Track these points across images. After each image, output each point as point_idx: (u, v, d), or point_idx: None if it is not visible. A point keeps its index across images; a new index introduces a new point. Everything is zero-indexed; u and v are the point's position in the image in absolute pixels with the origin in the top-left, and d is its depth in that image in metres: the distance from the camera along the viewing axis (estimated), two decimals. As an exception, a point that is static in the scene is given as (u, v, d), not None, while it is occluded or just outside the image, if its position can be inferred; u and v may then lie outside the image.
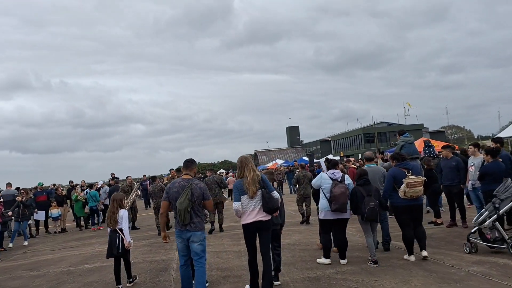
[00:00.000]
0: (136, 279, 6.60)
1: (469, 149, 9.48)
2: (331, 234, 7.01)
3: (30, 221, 14.48)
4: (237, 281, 6.20)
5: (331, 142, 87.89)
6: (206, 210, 5.85)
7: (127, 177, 15.58)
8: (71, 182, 18.23)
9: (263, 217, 5.25)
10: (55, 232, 15.34)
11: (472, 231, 6.96)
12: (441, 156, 10.06)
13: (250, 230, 5.30)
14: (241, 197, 5.27)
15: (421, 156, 11.21)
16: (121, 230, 6.15)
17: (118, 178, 18.45)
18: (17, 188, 15.90)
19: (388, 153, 11.59)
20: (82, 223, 15.93)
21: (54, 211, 15.42)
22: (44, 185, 16.18)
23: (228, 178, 23.98)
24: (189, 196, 5.06)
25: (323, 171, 7.16)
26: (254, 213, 5.23)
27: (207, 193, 5.31)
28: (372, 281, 5.69)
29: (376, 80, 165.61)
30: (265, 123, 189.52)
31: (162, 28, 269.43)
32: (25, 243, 12.58)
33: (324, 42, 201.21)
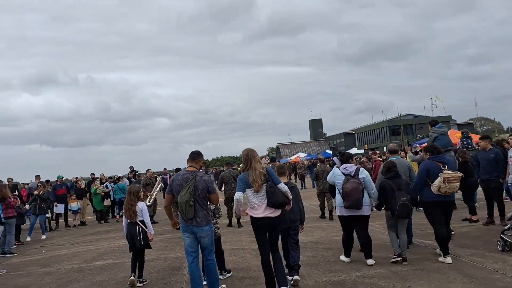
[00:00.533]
0: (146, 282, 6.25)
1: (510, 139, 8.66)
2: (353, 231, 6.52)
3: (49, 215, 14.40)
4: (254, 284, 5.69)
5: (355, 135, 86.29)
6: (216, 204, 5.67)
7: (148, 170, 15.35)
8: (92, 175, 18.09)
9: (272, 213, 4.93)
10: (74, 226, 15.22)
11: (506, 228, 6.34)
12: (479, 147, 9.27)
13: (258, 225, 4.99)
14: (246, 190, 4.99)
15: (456, 148, 10.42)
16: (142, 222, 6.05)
17: (137, 171, 18.23)
18: (47, 181, 15.90)
19: (417, 145, 10.86)
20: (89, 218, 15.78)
21: (74, 204, 15.31)
22: (63, 178, 16.03)
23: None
24: (191, 190, 4.80)
25: (337, 166, 6.68)
26: (262, 208, 4.94)
27: (212, 186, 5.06)
28: (405, 287, 5.09)
29: (401, 71, 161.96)
30: (287, 116, 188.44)
31: (185, 22, 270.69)
32: (43, 236, 12.44)
33: (348, 33, 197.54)
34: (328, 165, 12.87)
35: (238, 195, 4.98)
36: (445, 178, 5.86)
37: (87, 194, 16.70)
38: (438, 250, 6.28)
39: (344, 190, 6.11)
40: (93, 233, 12.72)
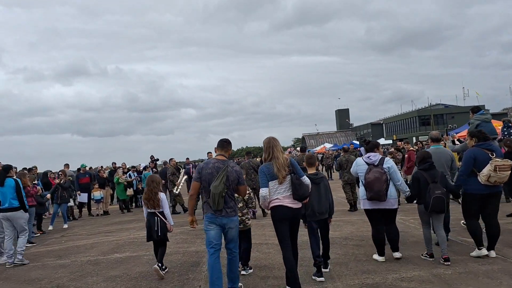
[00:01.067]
0: (166, 269, 6.13)
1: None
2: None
3: (71, 203, 14.30)
4: (278, 285, 5.16)
5: (383, 125, 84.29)
6: (243, 196, 5.55)
7: (171, 159, 15.02)
8: (113, 164, 17.95)
9: (294, 204, 4.74)
10: (97, 215, 15.08)
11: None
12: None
13: (281, 217, 4.74)
14: (269, 182, 4.73)
15: (499, 138, 9.55)
16: (161, 213, 5.95)
17: (158, 160, 17.95)
18: (78, 169, 15.84)
19: (454, 134, 10.03)
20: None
21: (96, 194, 15.15)
22: (86, 167, 15.91)
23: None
24: (224, 180, 4.55)
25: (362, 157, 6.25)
26: (286, 200, 4.72)
27: (243, 178, 4.81)
28: (450, 294, 4.46)
29: (431, 59, 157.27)
30: (313, 106, 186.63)
31: (211, 13, 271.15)
32: (65, 226, 12.29)
33: (376, 21, 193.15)
34: (353, 155, 12.32)
35: (263, 192, 4.72)
36: (497, 165, 5.31)
37: (110, 183, 16.58)
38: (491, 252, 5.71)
39: (366, 180, 5.72)
40: (114, 223, 12.48)
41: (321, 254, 5.39)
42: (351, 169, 6.32)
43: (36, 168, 15.57)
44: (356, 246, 6.87)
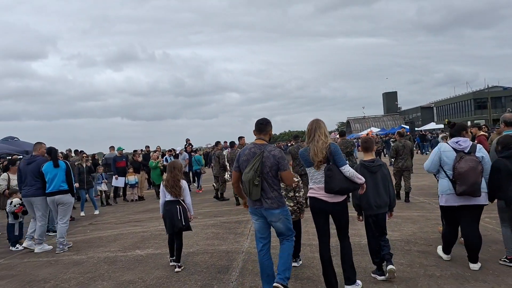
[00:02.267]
0: (183, 267, 5.54)
1: None
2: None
3: (105, 188, 13.72)
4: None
5: (435, 108, 79.89)
6: (290, 184, 4.73)
7: (217, 142, 14.10)
8: (147, 147, 17.30)
9: (330, 197, 4.14)
10: (132, 200, 14.45)
11: None
12: None
13: (314, 208, 4.31)
14: (307, 169, 4.31)
15: None
16: (183, 201, 5.61)
17: (192, 146, 17.11)
18: (120, 153, 15.23)
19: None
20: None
21: (131, 178, 14.51)
22: (123, 150, 15.26)
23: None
24: (256, 167, 4.05)
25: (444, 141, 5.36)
26: (321, 189, 4.17)
27: (284, 163, 4.18)
28: None
29: (487, 40, 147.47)
30: (359, 90, 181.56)
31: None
32: (96, 212, 11.67)
33: (428, 0, 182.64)
34: (408, 141, 10.94)
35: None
36: None
37: (145, 168, 15.93)
38: None
39: (457, 171, 4.65)
40: (147, 210, 11.70)
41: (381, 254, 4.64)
42: (426, 165, 5.08)
43: (70, 151, 15.20)
44: (422, 253, 5.51)
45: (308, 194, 4.33)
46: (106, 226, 9.49)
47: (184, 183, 5.65)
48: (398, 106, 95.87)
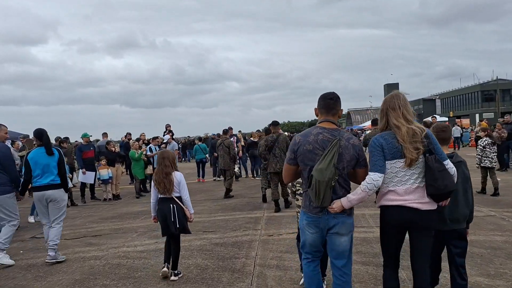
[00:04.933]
0: (181, 275, 4.76)
1: None
2: None
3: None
4: None
5: (438, 100, 77.57)
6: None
7: (226, 130, 12.15)
8: (128, 135, 14.54)
9: (423, 204, 2.95)
10: (105, 199, 11.72)
11: None
12: None
13: (393, 221, 3.02)
14: (388, 162, 2.96)
15: None
16: (179, 198, 4.67)
17: (173, 133, 14.47)
18: (86, 140, 12.69)
19: None
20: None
21: (103, 172, 11.74)
22: (90, 137, 12.48)
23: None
24: (335, 161, 2.91)
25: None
26: (409, 193, 2.95)
27: (364, 156, 3.08)
28: None
29: (490, 34, 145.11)
30: (361, 81, 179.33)
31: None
32: (30, 219, 8.88)
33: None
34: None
35: (375, 177, 2.93)
36: None
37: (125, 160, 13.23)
38: None
39: None
40: (115, 217, 8.99)
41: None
42: None
43: (59, 137, 12.66)
44: None
45: (387, 202, 3.04)
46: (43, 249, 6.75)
47: (178, 175, 4.75)
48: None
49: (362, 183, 2.96)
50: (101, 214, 9.47)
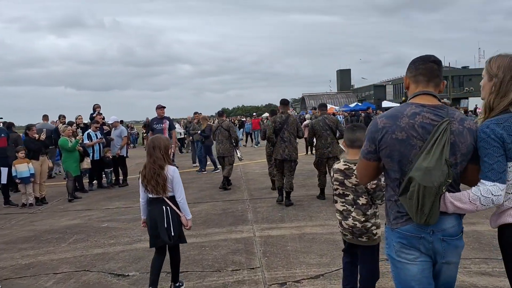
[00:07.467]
0: (183, 286, 3.98)
1: None
2: None
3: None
4: None
5: (391, 86, 78.67)
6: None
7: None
8: (61, 117, 11.33)
9: None
10: (24, 205, 8.59)
11: None
12: None
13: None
14: (510, 164, 2.00)
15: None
16: (172, 199, 3.74)
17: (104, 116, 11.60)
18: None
19: None
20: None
21: (22, 168, 8.59)
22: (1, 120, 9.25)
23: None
24: (447, 155, 1.92)
25: None
26: None
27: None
28: None
29: (434, 23, 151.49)
30: (313, 67, 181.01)
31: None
32: None
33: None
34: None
35: (495, 189, 1.95)
36: None
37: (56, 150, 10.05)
38: None
39: None
40: (33, 237, 6.05)
41: None
42: None
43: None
44: None
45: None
46: None
47: (172, 170, 3.73)
48: (352, 84, 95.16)
49: (474, 190, 1.98)
50: (9, 233, 6.45)
